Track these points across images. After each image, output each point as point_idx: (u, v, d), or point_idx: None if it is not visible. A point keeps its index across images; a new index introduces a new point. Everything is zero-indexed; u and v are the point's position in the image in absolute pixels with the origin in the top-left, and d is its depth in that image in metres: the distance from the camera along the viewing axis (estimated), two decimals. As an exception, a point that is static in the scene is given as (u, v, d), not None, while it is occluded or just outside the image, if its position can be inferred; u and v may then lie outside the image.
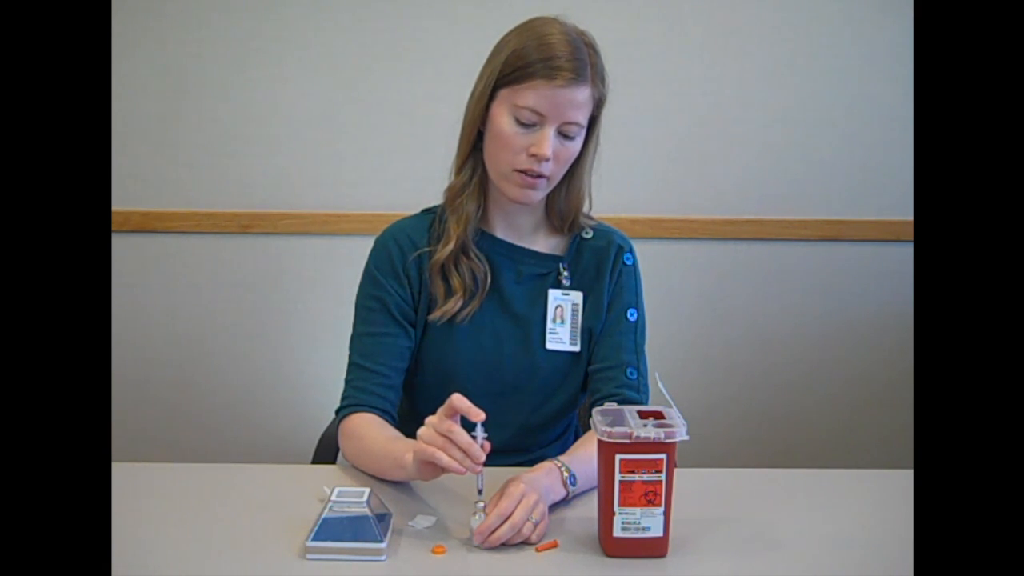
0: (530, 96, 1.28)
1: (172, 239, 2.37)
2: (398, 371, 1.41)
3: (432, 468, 1.15)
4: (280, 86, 2.30)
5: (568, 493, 1.25)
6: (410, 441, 1.21)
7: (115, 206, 2.30)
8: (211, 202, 2.35)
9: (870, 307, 2.42)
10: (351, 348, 1.43)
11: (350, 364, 1.43)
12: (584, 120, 1.32)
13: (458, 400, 1.12)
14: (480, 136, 1.37)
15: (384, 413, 1.39)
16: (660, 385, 1.21)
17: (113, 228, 2.31)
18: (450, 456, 1.10)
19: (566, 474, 1.25)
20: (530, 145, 1.30)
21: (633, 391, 1.40)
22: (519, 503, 1.14)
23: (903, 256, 2.37)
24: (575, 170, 1.39)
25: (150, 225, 2.35)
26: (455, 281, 1.39)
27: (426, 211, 1.47)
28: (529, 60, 1.28)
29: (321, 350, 2.38)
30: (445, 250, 1.39)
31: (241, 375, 2.43)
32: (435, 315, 1.39)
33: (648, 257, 2.33)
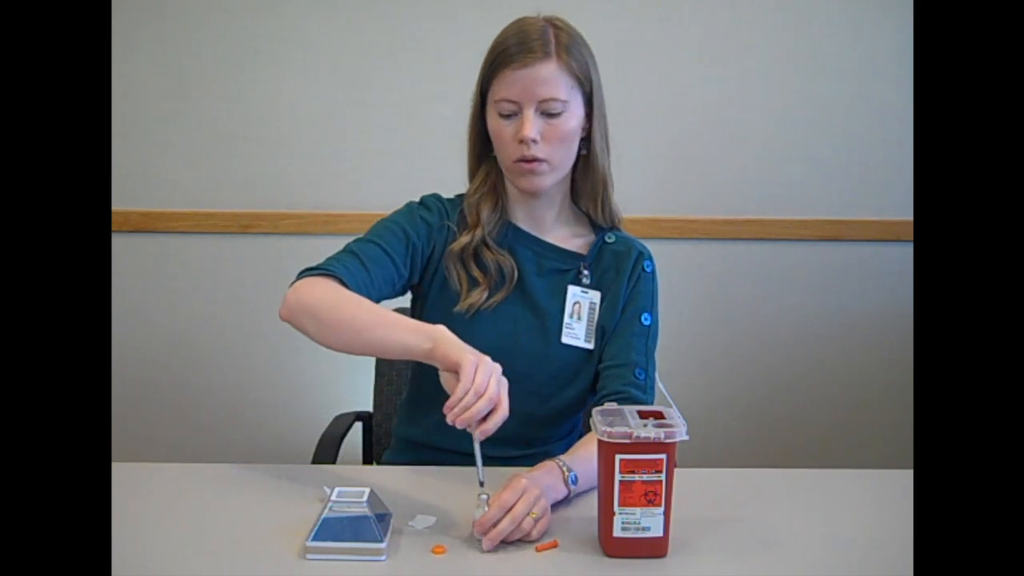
0: (500, 87, 1.35)
1: (172, 239, 2.37)
2: (380, 287, 1.38)
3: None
4: (280, 86, 2.30)
5: (569, 492, 1.25)
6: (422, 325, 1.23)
7: (115, 206, 2.31)
8: (211, 202, 2.35)
9: (870, 307, 2.42)
10: (351, 242, 1.41)
11: (344, 250, 1.39)
12: (563, 95, 1.34)
13: (503, 410, 1.13)
14: (488, 144, 1.42)
15: None
16: (660, 385, 1.21)
17: (113, 228, 2.31)
18: (458, 398, 1.12)
19: (567, 473, 1.25)
20: (516, 132, 1.34)
21: (640, 391, 1.40)
22: (521, 496, 1.14)
23: (903, 256, 2.37)
24: (589, 150, 1.41)
25: (150, 225, 2.35)
26: (476, 272, 1.42)
27: (460, 196, 1.51)
28: (491, 57, 1.37)
29: (321, 350, 2.36)
30: (461, 240, 1.43)
31: (241, 375, 2.43)
32: (461, 307, 1.41)
33: (648, 257, 2.32)
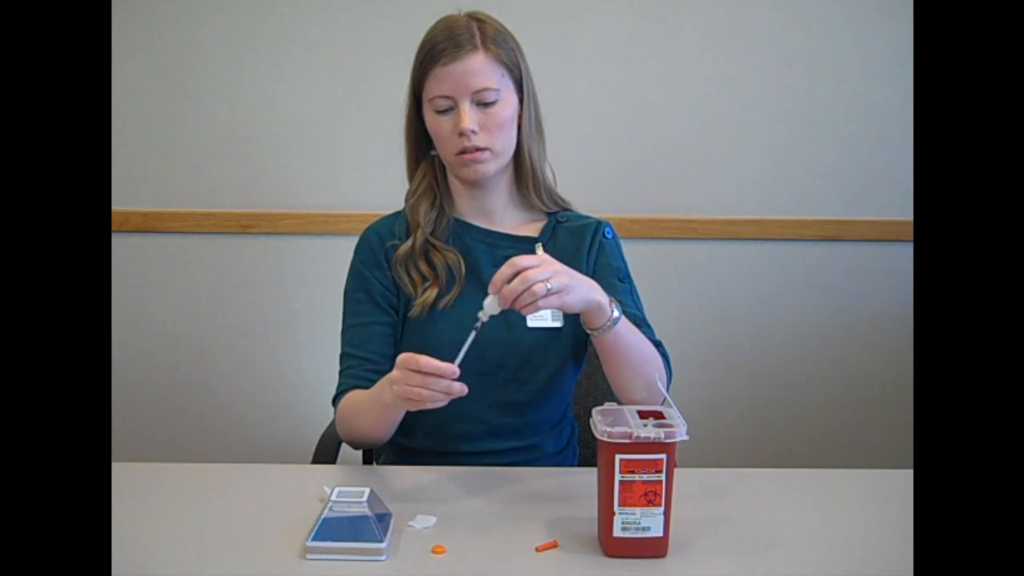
0: (432, 85, 1.38)
1: (172, 239, 2.37)
2: (385, 357, 1.44)
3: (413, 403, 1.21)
4: (280, 86, 2.30)
5: (610, 314, 1.25)
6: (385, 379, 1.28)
7: (115, 206, 2.31)
8: (211, 202, 2.35)
9: (870, 307, 2.42)
10: (342, 340, 1.48)
11: (342, 355, 1.48)
12: (495, 83, 1.37)
13: (426, 364, 1.17)
14: (427, 142, 1.46)
15: None
16: (660, 385, 1.21)
17: (113, 228, 2.31)
18: (432, 392, 1.17)
19: (614, 302, 1.27)
20: (455, 126, 1.37)
21: (653, 341, 1.41)
22: (540, 265, 1.17)
23: (903, 256, 2.37)
24: (519, 136, 1.43)
25: (150, 225, 2.35)
26: (426, 270, 1.44)
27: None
28: (420, 58, 1.40)
29: (321, 350, 2.37)
30: (405, 246, 1.45)
31: (241, 375, 2.43)
32: (415, 310, 1.43)
33: (648, 257, 2.33)
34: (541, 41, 2.27)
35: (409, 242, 1.45)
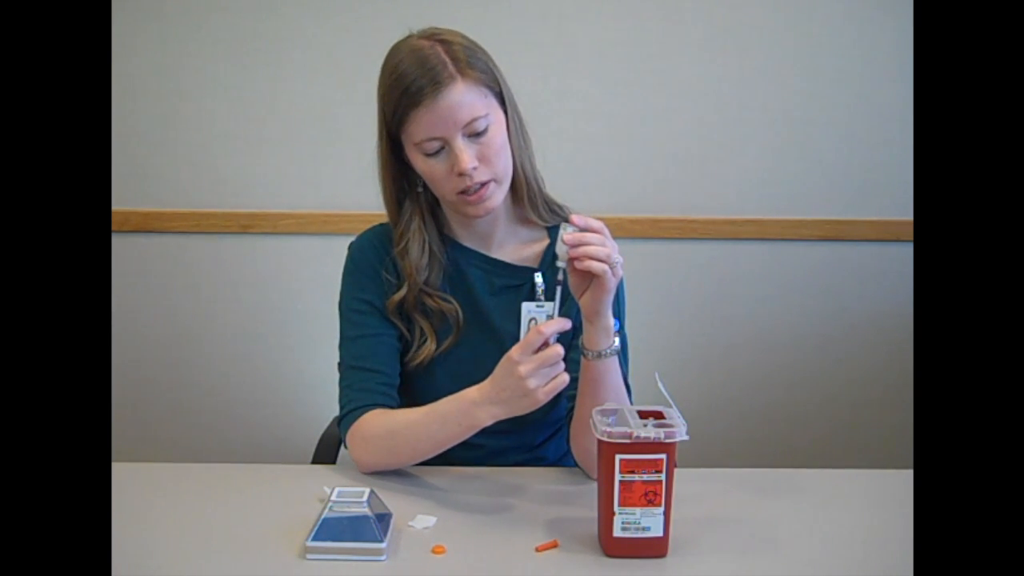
0: (416, 129, 1.27)
1: (172, 239, 2.37)
2: (395, 372, 1.39)
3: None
4: (279, 86, 2.30)
5: (612, 342, 1.26)
6: (457, 400, 1.25)
7: (115, 206, 2.30)
8: (211, 202, 2.35)
9: (870, 307, 2.42)
10: (343, 354, 1.41)
11: (345, 369, 1.40)
12: (482, 109, 1.27)
13: (549, 328, 1.18)
14: (409, 181, 1.38)
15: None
16: (660, 385, 1.21)
17: (113, 228, 2.31)
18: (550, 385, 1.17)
19: (618, 335, 1.27)
20: (452, 167, 1.27)
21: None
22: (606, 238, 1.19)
23: (903, 256, 2.37)
24: (511, 148, 1.33)
25: (150, 225, 2.35)
26: (423, 324, 1.38)
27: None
28: (394, 100, 1.27)
29: (321, 350, 2.36)
30: (398, 295, 1.38)
31: (241, 375, 2.43)
32: (415, 361, 1.38)
33: (648, 257, 2.32)
34: (541, 41, 2.27)
35: (403, 292, 1.37)
